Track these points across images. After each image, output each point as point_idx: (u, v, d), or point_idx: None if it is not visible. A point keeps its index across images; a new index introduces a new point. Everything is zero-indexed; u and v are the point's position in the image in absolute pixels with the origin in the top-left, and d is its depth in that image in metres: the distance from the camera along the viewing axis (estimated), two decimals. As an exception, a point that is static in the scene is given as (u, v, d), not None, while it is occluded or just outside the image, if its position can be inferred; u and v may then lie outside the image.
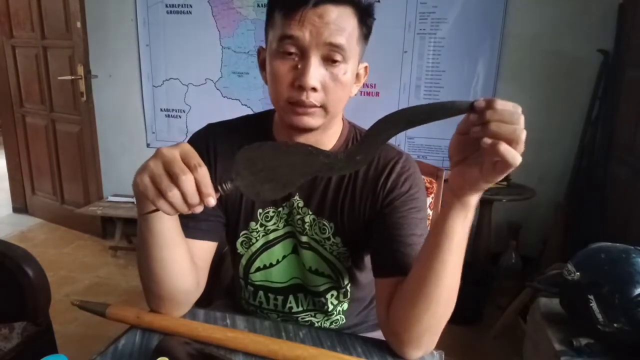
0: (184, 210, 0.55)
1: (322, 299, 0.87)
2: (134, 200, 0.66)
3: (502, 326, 1.95)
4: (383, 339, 0.75)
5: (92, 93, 2.80)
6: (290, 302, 0.88)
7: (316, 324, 0.90)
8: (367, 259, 0.85)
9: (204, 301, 0.85)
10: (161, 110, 2.82)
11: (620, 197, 1.99)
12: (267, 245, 0.84)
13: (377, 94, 2.48)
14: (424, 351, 0.71)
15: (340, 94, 0.71)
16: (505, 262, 2.27)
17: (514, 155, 0.50)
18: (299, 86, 0.67)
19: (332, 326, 0.91)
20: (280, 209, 0.82)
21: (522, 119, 0.51)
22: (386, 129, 0.54)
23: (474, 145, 0.53)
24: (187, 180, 0.53)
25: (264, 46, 0.77)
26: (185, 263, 0.72)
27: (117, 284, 2.44)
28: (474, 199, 0.59)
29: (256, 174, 0.57)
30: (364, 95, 2.48)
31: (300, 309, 0.89)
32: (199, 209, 0.55)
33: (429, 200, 1.24)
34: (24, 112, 3.15)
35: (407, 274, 0.72)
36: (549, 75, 2.27)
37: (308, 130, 0.72)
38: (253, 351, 0.69)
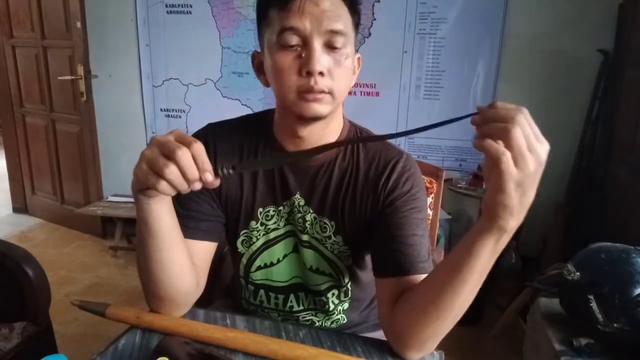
0: (183, 186, 0.56)
1: (323, 298, 0.87)
2: (133, 200, 0.67)
3: (502, 326, 1.95)
4: (383, 339, 0.75)
5: (92, 93, 2.80)
6: (291, 301, 0.88)
7: (317, 323, 0.90)
8: (368, 258, 0.84)
9: (204, 301, 0.85)
10: (161, 110, 2.82)
11: (620, 197, 1.99)
12: (268, 244, 0.84)
13: (377, 94, 2.48)
14: (425, 353, 0.71)
15: (345, 79, 0.72)
16: (505, 262, 2.27)
17: (497, 150, 0.48)
18: (307, 72, 0.67)
19: (333, 326, 0.91)
20: (281, 207, 0.82)
21: (519, 117, 0.48)
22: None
23: None
24: (183, 154, 0.54)
25: (258, 51, 0.77)
26: (184, 264, 0.72)
27: (117, 284, 2.44)
28: (508, 223, 0.53)
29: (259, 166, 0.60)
30: (364, 95, 2.48)
31: (301, 308, 0.89)
32: (197, 185, 0.56)
33: (429, 200, 1.24)
34: (24, 112, 3.15)
35: (408, 274, 0.72)
36: (549, 75, 2.27)
37: (317, 119, 0.71)
38: (253, 351, 0.69)
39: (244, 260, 0.86)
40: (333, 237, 0.81)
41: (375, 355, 0.71)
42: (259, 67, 0.77)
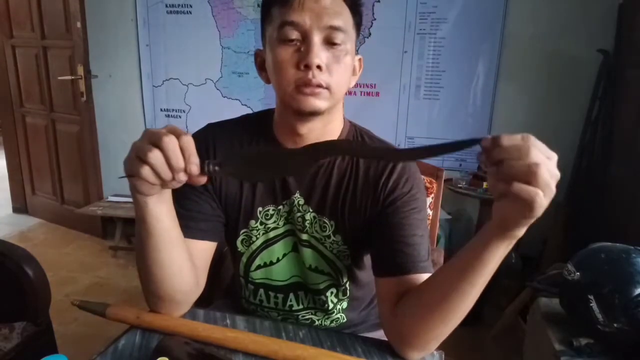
0: (167, 174, 0.55)
1: (322, 297, 0.87)
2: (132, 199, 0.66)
3: (502, 326, 1.95)
4: (383, 339, 0.75)
5: (92, 93, 2.81)
6: (290, 300, 0.88)
7: (316, 322, 0.90)
8: (366, 258, 0.85)
9: (204, 301, 0.85)
10: (161, 110, 2.82)
11: (620, 197, 1.99)
12: (268, 244, 0.84)
13: (377, 94, 2.48)
14: (427, 353, 0.71)
15: (343, 75, 0.72)
16: (505, 262, 2.26)
17: (530, 192, 0.48)
18: (305, 66, 0.68)
19: (333, 325, 0.91)
20: (281, 207, 0.82)
21: (534, 150, 0.48)
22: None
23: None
24: (169, 141, 0.54)
25: (260, 48, 0.78)
26: (184, 264, 0.71)
27: (117, 284, 2.44)
28: (521, 232, 0.55)
29: (245, 165, 0.59)
30: (364, 95, 2.48)
31: (301, 307, 0.89)
32: (182, 177, 0.56)
33: (429, 200, 1.25)
34: (24, 112, 3.15)
35: (409, 273, 0.72)
36: (549, 75, 2.27)
37: (315, 114, 0.72)
38: (253, 351, 0.69)
39: (244, 259, 0.86)
40: (332, 237, 0.81)
41: (375, 355, 0.71)
42: (261, 65, 0.78)
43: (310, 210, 0.81)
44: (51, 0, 2.73)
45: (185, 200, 0.77)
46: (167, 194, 0.64)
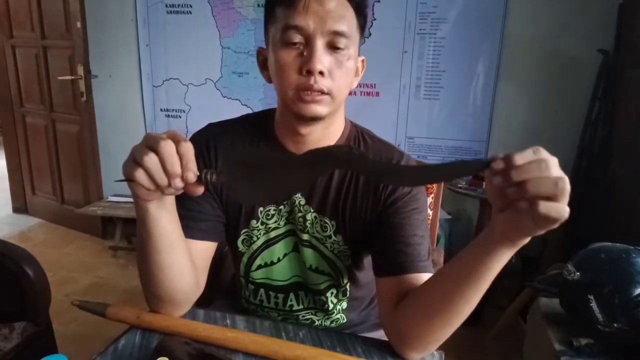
0: (162, 179, 0.54)
1: (323, 297, 0.87)
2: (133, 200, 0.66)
3: (502, 326, 1.95)
4: (383, 339, 0.75)
5: (92, 93, 2.81)
6: (290, 300, 0.88)
7: (316, 323, 0.90)
8: (367, 259, 0.85)
9: (204, 301, 0.85)
10: (161, 110, 2.82)
11: (620, 197, 1.99)
12: (268, 243, 0.84)
13: (377, 94, 2.48)
14: (427, 354, 0.71)
15: (346, 80, 0.72)
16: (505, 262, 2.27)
17: (558, 210, 0.46)
18: (307, 71, 0.67)
19: (333, 325, 0.91)
20: (282, 207, 0.82)
21: (552, 164, 0.46)
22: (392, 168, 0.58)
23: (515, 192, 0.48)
24: (166, 145, 0.54)
25: (263, 47, 0.77)
26: (184, 265, 0.71)
27: (117, 284, 2.44)
28: (527, 239, 0.54)
29: (244, 177, 0.58)
30: (364, 95, 2.48)
31: (301, 307, 0.89)
32: (178, 183, 0.55)
33: (429, 200, 1.25)
34: (24, 112, 3.15)
35: (409, 273, 0.72)
36: (549, 75, 2.27)
37: (315, 119, 0.71)
38: (253, 351, 0.69)
39: (245, 259, 0.86)
40: (333, 237, 0.81)
41: (375, 355, 0.71)
42: (263, 64, 0.77)
43: (311, 210, 0.81)
44: (51, 0, 2.73)
45: (185, 200, 0.76)
46: (169, 200, 0.63)
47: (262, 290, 0.88)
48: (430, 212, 1.25)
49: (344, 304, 0.90)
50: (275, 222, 0.83)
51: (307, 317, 0.90)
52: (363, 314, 0.95)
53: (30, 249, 1.37)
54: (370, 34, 2.40)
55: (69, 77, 2.77)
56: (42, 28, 2.85)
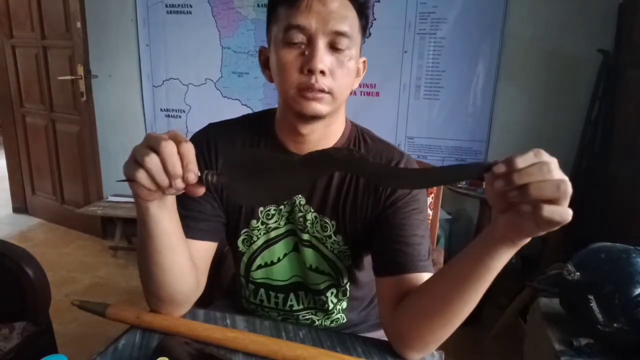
0: (163, 180, 0.54)
1: (323, 297, 0.87)
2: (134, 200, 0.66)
3: (502, 326, 1.95)
4: (383, 339, 0.75)
5: (92, 93, 2.81)
6: (291, 300, 0.88)
7: (316, 322, 0.90)
8: (367, 259, 0.85)
9: (204, 301, 0.85)
10: (161, 110, 2.82)
11: (620, 197, 1.99)
12: (268, 243, 0.84)
13: (377, 94, 2.48)
14: (427, 354, 0.71)
15: (347, 80, 0.72)
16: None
17: (561, 213, 0.46)
18: (308, 70, 0.68)
19: (333, 325, 0.91)
20: (282, 206, 0.82)
21: (554, 166, 0.46)
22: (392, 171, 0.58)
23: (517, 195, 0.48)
24: (167, 145, 0.54)
25: (265, 46, 0.77)
26: (185, 265, 0.71)
27: (117, 284, 2.44)
28: (528, 239, 0.54)
29: (244, 178, 0.58)
30: (364, 95, 2.48)
31: (301, 307, 0.89)
32: (179, 184, 0.55)
33: (429, 200, 1.25)
34: (24, 112, 3.16)
35: (409, 272, 0.72)
36: (549, 75, 2.27)
37: (316, 118, 0.72)
38: (253, 351, 0.69)
39: (245, 259, 0.86)
40: (333, 237, 0.81)
41: (375, 355, 0.71)
42: (264, 63, 0.78)
43: (312, 210, 0.81)
44: (51, 0, 2.73)
45: (186, 200, 0.76)
46: (170, 200, 0.63)
47: (262, 290, 0.88)
48: (430, 212, 1.25)
49: (344, 304, 0.90)
50: (276, 222, 0.83)
51: (307, 317, 0.90)
52: (363, 314, 0.95)
53: (30, 249, 1.37)
54: (370, 34, 2.40)
55: (69, 77, 2.77)
56: (42, 28, 2.85)
